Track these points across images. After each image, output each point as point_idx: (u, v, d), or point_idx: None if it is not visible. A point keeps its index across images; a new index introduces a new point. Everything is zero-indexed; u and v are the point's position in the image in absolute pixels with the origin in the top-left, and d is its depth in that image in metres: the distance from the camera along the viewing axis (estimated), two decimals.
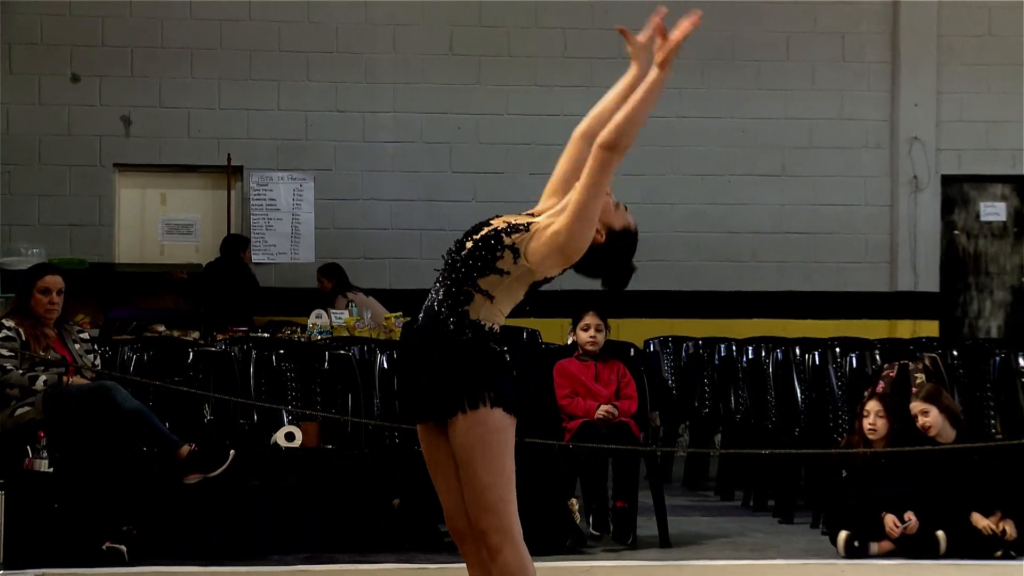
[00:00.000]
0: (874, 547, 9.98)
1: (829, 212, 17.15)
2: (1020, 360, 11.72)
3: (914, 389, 10.92)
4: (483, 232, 5.84)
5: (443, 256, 5.89)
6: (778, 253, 17.10)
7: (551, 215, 5.77)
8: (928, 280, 17.10)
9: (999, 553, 9.93)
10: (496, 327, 5.76)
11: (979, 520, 10.00)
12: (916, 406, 10.30)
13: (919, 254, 17.05)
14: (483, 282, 5.75)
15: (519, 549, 5.76)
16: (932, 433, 10.19)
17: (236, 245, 16.26)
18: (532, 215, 5.92)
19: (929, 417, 10.22)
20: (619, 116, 5.67)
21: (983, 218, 17.43)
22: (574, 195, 5.71)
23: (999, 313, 17.44)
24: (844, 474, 10.36)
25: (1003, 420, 11.46)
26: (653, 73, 5.71)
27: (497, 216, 5.93)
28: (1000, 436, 11.14)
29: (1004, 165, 17.22)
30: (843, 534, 10.04)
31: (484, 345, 5.71)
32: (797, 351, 12.69)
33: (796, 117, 17.12)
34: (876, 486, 10.13)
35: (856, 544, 9.98)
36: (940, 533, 9.96)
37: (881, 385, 11.19)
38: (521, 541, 5.77)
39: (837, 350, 12.64)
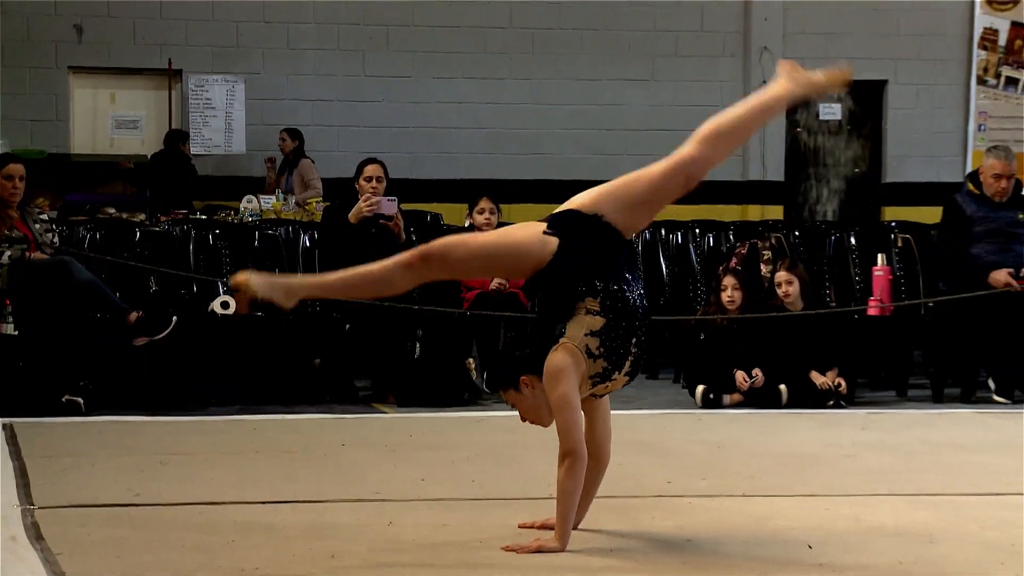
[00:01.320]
0: (726, 399, 10.09)
1: (690, 112, 17.12)
2: (851, 239, 11.82)
3: (763, 264, 11.00)
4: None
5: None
6: (646, 148, 17.01)
7: None
8: (774, 171, 17.19)
9: (831, 403, 10.05)
10: None
11: (816, 377, 10.11)
12: (782, 276, 10.35)
13: (767, 148, 17.12)
14: None
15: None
16: (789, 301, 10.28)
17: (177, 139, 16.28)
18: None
19: (792, 287, 10.29)
20: None
21: (822, 117, 17.51)
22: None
23: (834, 199, 17.56)
24: (702, 337, 10.44)
25: (836, 291, 11.59)
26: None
27: None
28: (834, 304, 11.26)
29: None
30: (700, 388, 10.14)
31: None
32: (662, 232, 12.75)
33: (664, 30, 17.09)
34: (729, 347, 10.22)
35: (711, 396, 10.08)
36: (782, 387, 10.07)
37: (734, 260, 11.27)
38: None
39: (696, 231, 12.71)
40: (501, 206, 11.14)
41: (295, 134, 16.14)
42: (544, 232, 5.81)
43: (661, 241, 12.53)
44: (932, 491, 6.95)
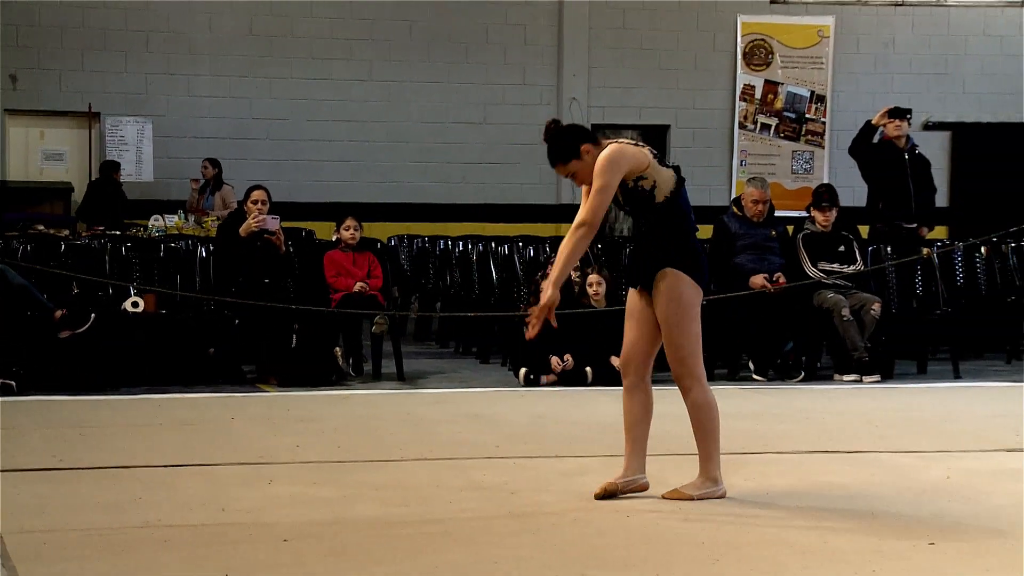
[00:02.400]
0: (544, 379, 10.08)
1: (514, 149, 17.19)
2: None
3: (574, 271, 11.00)
4: None
5: None
6: (481, 176, 17.11)
7: None
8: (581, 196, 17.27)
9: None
10: None
11: (615, 360, 10.14)
12: (594, 278, 10.37)
13: None
14: None
15: (705, 387, 5.70)
16: (597, 299, 10.30)
17: (111, 168, 16.04)
18: None
19: (601, 287, 10.32)
20: None
21: None
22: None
23: (628, 220, 17.67)
24: (525, 329, 10.42)
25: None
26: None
27: None
28: None
29: (633, 117, 17.41)
30: (523, 370, 10.12)
31: None
32: (493, 244, 12.77)
33: (494, 83, 17.09)
34: (546, 337, 10.20)
35: (532, 377, 10.07)
36: (588, 369, 10.09)
37: (550, 267, 11.25)
38: (706, 382, 5.73)
39: (520, 244, 12.73)
40: (363, 224, 11.07)
41: (215, 162, 15.91)
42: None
43: (492, 252, 12.54)
44: (696, 452, 6.97)
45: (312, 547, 4.77)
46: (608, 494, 5.62)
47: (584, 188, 5.65)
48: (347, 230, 10.77)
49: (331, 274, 10.62)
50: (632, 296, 5.83)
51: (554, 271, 5.54)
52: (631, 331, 5.78)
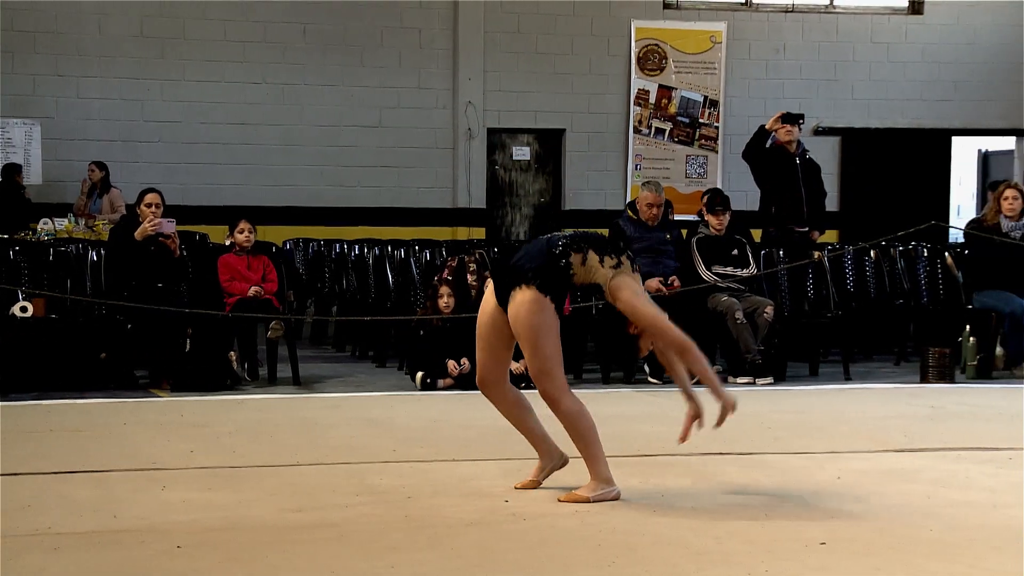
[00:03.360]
0: (440, 383, 10.07)
1: (410, 152, 17.15)
2: None
3: (469, 274, 11.01)
4: None
5: None
6: (376, 180, 17.05)
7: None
8: (478, 200, 17.29)
9: (523, 385, 10.10)
10: None
11: (513, 364, 10.13)
12: (492, 281, 10.36)
13: (472, 182, 17.20)
14: None
15: (570, 395, 5.76)
16: None
17: (13, 171, 15.69)
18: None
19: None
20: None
21: (515, 158, 17.67)
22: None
23: (525, 222, 17.74)
24: (421, 333, 10.41)
25: None
26: None
27: None
28: None
29: (528, 121, 17.46)
30: (419, 374, 10.11)
31: None
32: (389, 248, 12.74)
33: (388, 86, 17.03)
34: (443, 341, 10.21)
35: (428, 381, 10.06)
36: None
37: (446, 272, 11.27)
38: (569, 389, 5.77)
39: (416, 248, 12.72)
40: (258, 227, 10.98)
41: (102, 166, 15.63)
42: None
43: (388, 256, 12.50)
44: (606, 454, 7.01)
45: (206, 553, 4.72)
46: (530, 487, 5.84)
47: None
48: (241, 233, 10.69)
49: (225, 278, 10.52)
50: (485, 310, 5.92)
51: (711, 382, 5.61)
52: (482, 352, 5.87)
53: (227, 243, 10.92)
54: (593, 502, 5.61)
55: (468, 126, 17.17)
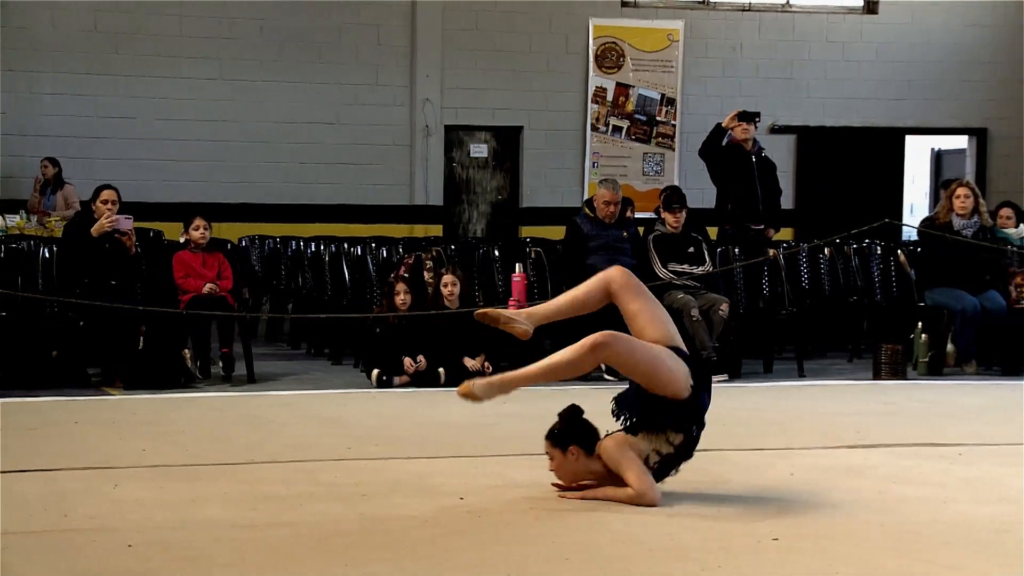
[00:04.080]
0: (396, 380, 10.05)
1: (369, 149, 17.10)
2: (496, 252, 11.93)
3: (426, 272, 11.00)
4: None
5: None
6: (334, 177, 16.98)
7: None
8: (435, 197, 17.25)
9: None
10: None
11: (468, 361, 10.16)
12: (448, 278, 10.36)
13: (430, 180, 17.17)
14: None
15: None
16: (451, 299, 10.29)
17: None
18: None
19: (456, 288, 10.32)
20: None
21: (472, 155, 17.64)
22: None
23: (482, 220, 17.72)
24: (378, 330, 10.39)
25: (484, 292, 11.68)
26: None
27: None
28: (481, 303, 11.31)
29: (486, 118, 17.45)
30: (375, 371, 10.08)
31: None
32: (346, 245, 12.70)
33: (346, 83, 16.96)
34: (399, 338, 10.19)
35: (384, 378, 10.04)
36: (441, 369, 10.09)
37: (403, 269, 11.26)
38: None
39: (373, 245, 12.68)
40: (213, 224, 10.93)
41: (55, 162, 15.45)
42: (688, 377, 5.58)
43: (345, 253, 12.47)
44: None
45: (158, 552, 4.68)
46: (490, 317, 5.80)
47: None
48: (196, 230, 10.63)
49: (180, 275, 10.46)
50: None
51: (600, 496, 5.59)
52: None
53: (182, 240, 10.85)
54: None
55: (426, 123, 17.13)
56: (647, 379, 5.58)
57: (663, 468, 5.64)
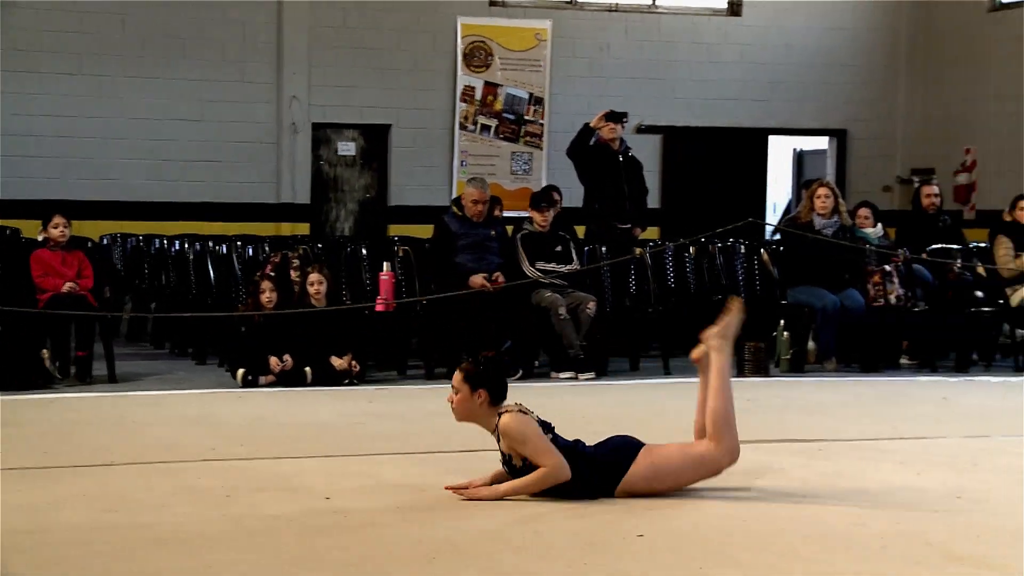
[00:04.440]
0: (262, 380, 9.96)
1: (233, 147, 16.90)
2: (363, 250, 11.88)
3: (292, 271, 10.92)
4: None
5: None
6: (198, 175, 16.75)
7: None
8: (302, 195, 17.10)
9: (346, 381, 10.07)
10: None
11: (335, 360, 10.10)
12: (314, 277, 10.28)
13: (296, 177, 17.02)
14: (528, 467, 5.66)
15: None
16: (318, 298, 10.21)
17: None
18: None
19: (323, 286, 10.24)
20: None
21: (340, 153, 17.53)
22: (534, 454, 5.59)
23: (350, 218, 17.62)
24: (243, 329, 10.28)
25: (351, 291, 11.61)
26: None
27: None
28: (349, 302, 11.26)
29: (354, 116, 17.36)
30: (241, 371, 9.98)
31: None
32: (211, 243, 12.55)
33: (211, 80, 16.75)
34: (265, 337, 10.10)
35: (250, 378, 9.94)
36: (308, 369, 10.02)
37: (269, 267, 11.16)
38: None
39: (239, 244, 12.55)
40: (73, 222, 10.73)
41: None
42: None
43: (209, 251, 12.31)
44: (426, 449, 7.03)
45: (14, 558, 4.58)
46: None
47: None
48: (55, 228, 10.43)
49: (38, 274, 10.25)
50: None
51: (509, 491, 5.61)
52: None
53: (40, 238, 10.63)
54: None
55: (293, 120, 16.99)
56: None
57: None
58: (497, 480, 5.76)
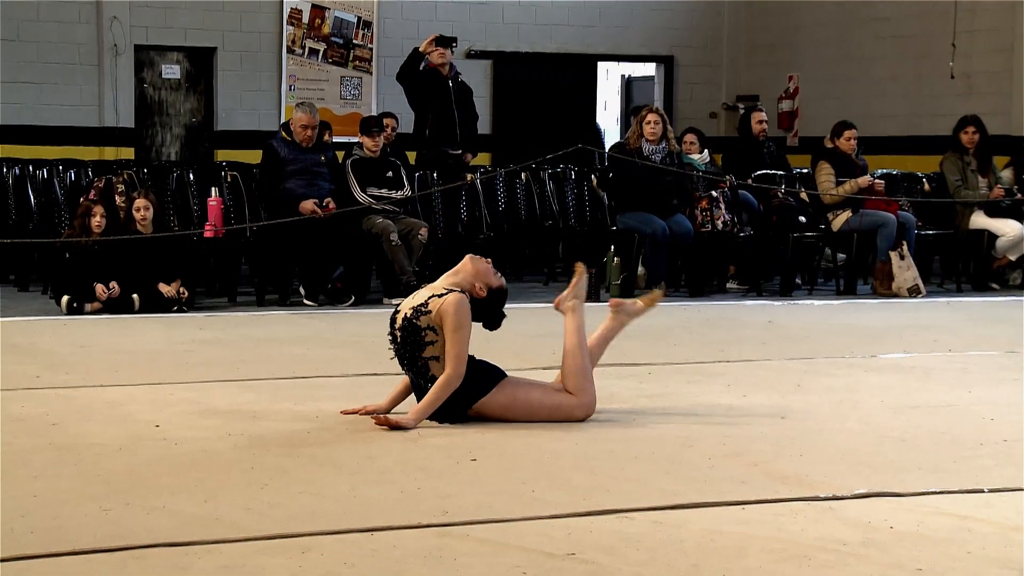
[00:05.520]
0: (88, 307, 9.77)
1: (55, 69, 16.36)
2: (191, 176, 11.67)
3: (118, 196, 10.68)
4: (398, 324, 5.59)
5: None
6: (17, 97, 16.21)
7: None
8: (126, 119, 16.67)
9: (175, 308, 9.92)
10: None
11: (163, 287, 9.94)
12: (140, 203, 10.07)
13: (119, 100, 16.59)
14: (427, 356, 5.56)
15: None
16: (144, 224, 10.02)
17: None
18: (433, 290, 5.64)
19: (148, 212, 10.07)
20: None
21: (164, 76, 17.11)
22: (452, 349, 5.53)
23: (176, 143, 17.25)
24: (67, 255, 10.04)
25: (179, 217, 11.41)
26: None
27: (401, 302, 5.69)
28: (177, 228, 11.07)
29: (178, 38, 16.95)
30: (65, 298, 9.78)
31: None
32: (31, 168, 12.24)
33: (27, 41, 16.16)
34: (91, 264, 9.89)
35: (75, 305, 9.74)
36: (135, 296, 9.86)
37: (93, 192, 10.93)
38: None
39: (60, 168, 12.24)
40: None
41: None
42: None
43: (29, 176, 11.99)
44: (258, 376, 6.98)
45: None
46: None
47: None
48: None
49: None
50: None
51: (421, 411, 5.55)
52: None
53: None
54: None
55: (114, 42, 16.52)
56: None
57: None
58: (394, 402, 5.80)
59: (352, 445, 5.27)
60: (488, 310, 5.84)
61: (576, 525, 4.16)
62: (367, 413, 5.75)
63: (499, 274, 5.89)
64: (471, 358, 5.72)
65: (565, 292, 6.06)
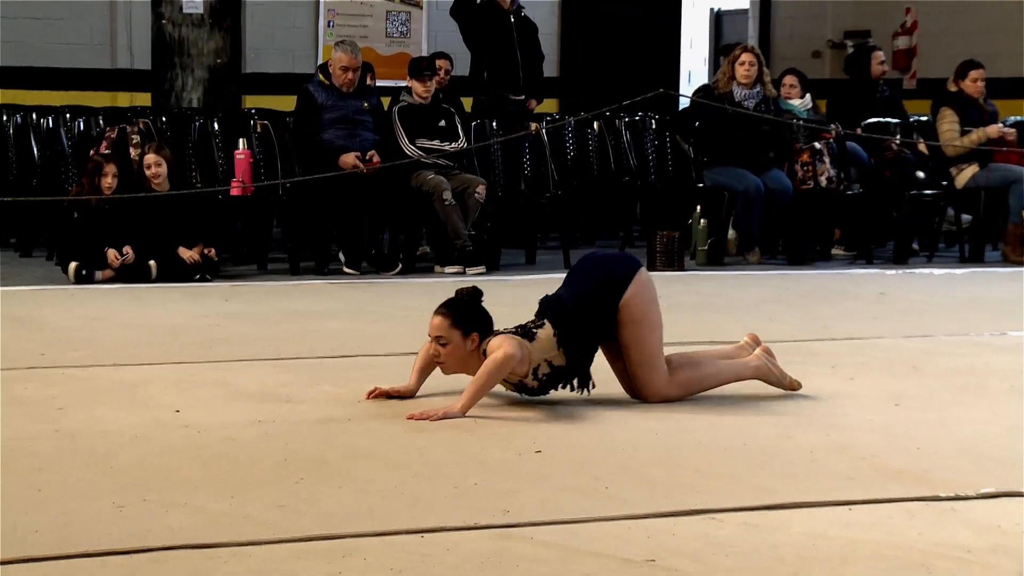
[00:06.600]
0: (99, 275, 9.87)
1: (60, 4, 16.52)
2: (215, 125, 11.75)
3: (132, 148, 10.78)
4: None
5: None
6: (19, 35, 16.39)
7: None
8: (141, 60, 16.81)
9: (198, 277, 10.01)
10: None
11: (184, 252, 10.03)
12: (151, 158, 10.16)
13: (134, 39, 16.71)
14: None
15: None
16: (157, 182, 10.11)
17: None
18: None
19: (161, 168, 10.13)
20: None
21: (185, 10, 17.23)
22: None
23: (199, 88, 17.38)
24: (76, 216, 10.15)
25: (201, 172, 11.51)
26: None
27: None
28: (199, 185, 11.16)
29: None
30: (73, 265, 9.88)
31: None
32: (34, 116, 12.36)
33: None
34: (101, 226, 9.98)
35: (84, 272, 9.85)
36: (152, 263, 9.95)
37: (105, 144, 11.02)
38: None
39: (67, 116, 12.35)
40: None
41: None
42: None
43: (32, 125, 12.12)
44: (292, 355, 7.03)
45: None
46: None
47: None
48: None
49: None
50: None
51: (472, 395, 5.57)
52: None
53: None
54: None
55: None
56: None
57: (551, 382, 5.75)
58: (420, 380, 5.87)
59: (399, 434, 5.28)
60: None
61: (656, 527, 4.15)
62: (391, 396, 5.80)
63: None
64: (593, 253, 5.97)
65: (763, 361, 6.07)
